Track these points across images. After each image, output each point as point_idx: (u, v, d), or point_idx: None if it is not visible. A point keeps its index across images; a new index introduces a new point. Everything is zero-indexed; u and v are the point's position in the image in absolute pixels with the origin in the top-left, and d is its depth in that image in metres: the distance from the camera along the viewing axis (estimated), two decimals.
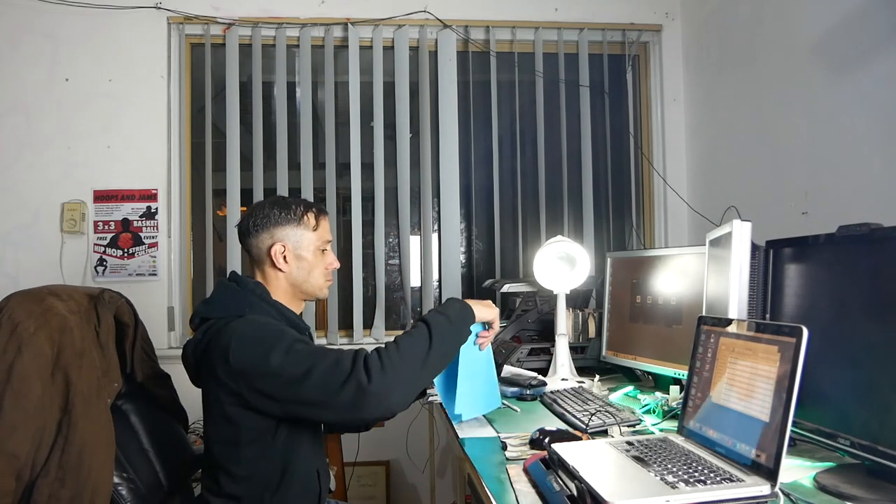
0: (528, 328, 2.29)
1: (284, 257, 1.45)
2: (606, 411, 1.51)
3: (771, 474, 1.01)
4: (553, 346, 2.08)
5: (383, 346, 1.28)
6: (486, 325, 1.54)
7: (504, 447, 1.36)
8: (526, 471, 1.21)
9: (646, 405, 1.67)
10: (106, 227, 2.67)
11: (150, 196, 2.69)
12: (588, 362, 2.16)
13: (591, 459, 1.15)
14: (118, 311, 1.55)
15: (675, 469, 1.08)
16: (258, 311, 1.38)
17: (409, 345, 1.28)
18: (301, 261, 1.46)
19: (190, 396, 1.60)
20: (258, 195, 2.73)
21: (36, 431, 1.26)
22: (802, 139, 2.06)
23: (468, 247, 2.96)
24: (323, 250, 1.49)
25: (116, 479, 1.39)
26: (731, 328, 1.23)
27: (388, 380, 1.20)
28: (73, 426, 1.29)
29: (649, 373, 1.96)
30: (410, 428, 2.62)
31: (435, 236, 2.87)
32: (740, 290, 1.37)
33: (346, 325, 2.80)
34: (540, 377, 1.87)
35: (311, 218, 1.47)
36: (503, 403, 1.77)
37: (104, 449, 1.34)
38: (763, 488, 1.00)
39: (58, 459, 1.27)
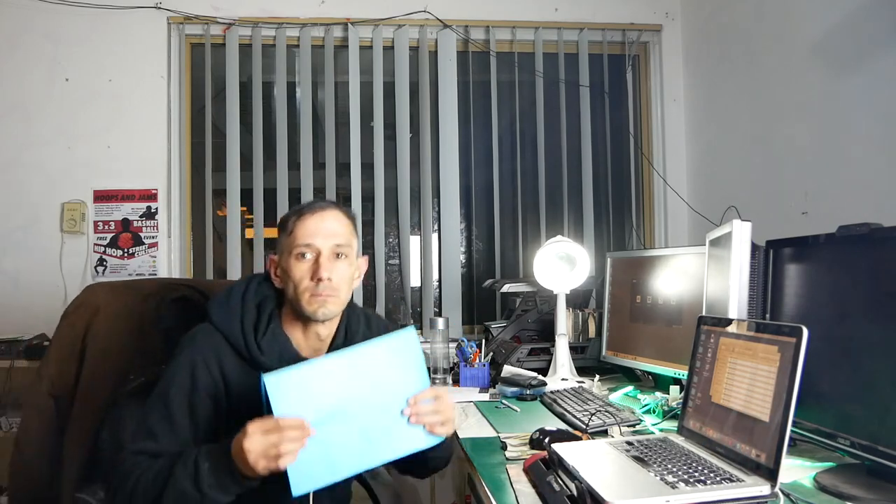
0: (528, 328, 2.29)
1: (275, 271, 1.29)
2: (606, 411, 1.51)
3: (771, 474, 1.01)
4: (553, 346, 2.08)
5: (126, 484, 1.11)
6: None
7: (504, 447, 1.36)
8: (526, 471, 1.21)
9: (646, 405, 1.67)
10: (106, 227, 2.67)
11: (150, 196, 2.69)
12: (588, 362, 2.16)
13: (591, 459, 1.15)
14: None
15: (675, 469, 1.08)
16: (227, 323, 1.24)
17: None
18: (284, 273, 1.26)
19: None
20: (258, 195, 2.73)
21: None
22: (802, 139, 2.06)
23: (468, 247, 2.96)
24: (300, 255, 1.23)
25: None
26: (731, 328, 1.23)
27: None
28: None
29: (649, 373, 1.96)
30: None
31: (435, 236, 2.87)
32: (740, 290, 1.36)
33: None
34: (540, 377, 1.87)
35: (291, 222, 1.26)
36: (505, 405, 1.76)
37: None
38: (763, 488, 1.00)
39: None
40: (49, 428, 1.35)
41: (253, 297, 1.28)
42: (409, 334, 1.14)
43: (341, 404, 1.10)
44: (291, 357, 1.26)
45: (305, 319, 1.26)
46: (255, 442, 1.03)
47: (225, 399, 1.17)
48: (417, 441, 1.15)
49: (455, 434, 1.52)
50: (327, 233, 1.24)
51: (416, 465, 1.30)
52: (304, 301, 1.23)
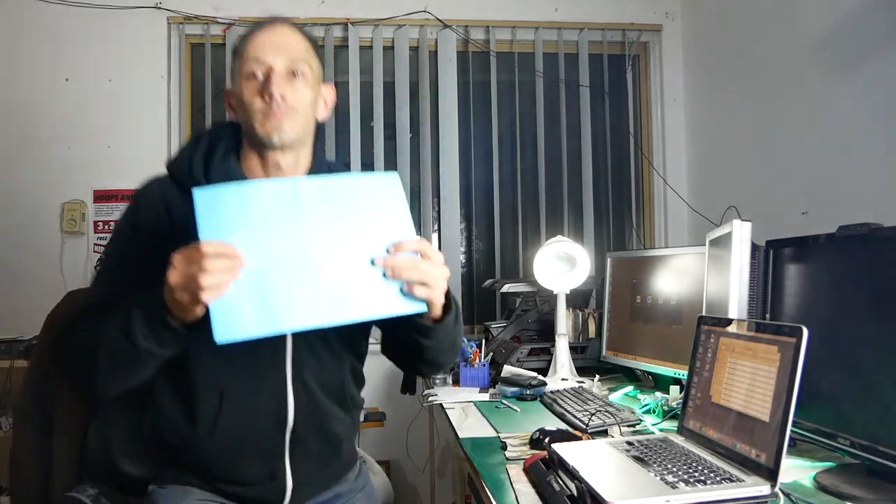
0: (528, 328, 2.28)
1: (230, 102, 1.15)
2: (606, 411, 1.51)
3: (771, 474, 1.01)
4: (553, 346, 2.08)
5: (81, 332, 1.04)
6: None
7: (504, 447, 1.36)
8: (526, 471, 1.21)
9: (646, 405, 1.67)
10: (106, 227, 2.67)
11: None
12: (588, 362, 2.16)
13: (591, 459, 1.15)
14: None
15: (675, 469, 1.08)
16: (181, 169, 1.14)
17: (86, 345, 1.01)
18: (238, 101, 1.11)
19: None
20: None
21: None
22: (802, 139, 2.06)
23: (468, 247, 2.96)
24: (251, 75, 1.08)
25: None
26: (731, 328, 1.23)
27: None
28: None
29: (649, 373, 1.96)
30: (410, 428, 2.62)
31: (435, 236, 2.87)
32: (740, 290, 1.36)
33: None
34: (540, 377, 1.87)
35: (241, 43, 1.12)
36: (505, 405, 1.76)
37: None
38: (763, 488, 1.00)
39: None
40: (38, 432, 1.35)
41: (207, 138, 1.17)
42: (391, 177, 0.98)
43: (291, 239, 0.92)
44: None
45: (261, 148, 1.11)
46: (176, 273, 0.88)
47: (171, 238, 0.98)
48: (389, 304, 0.95)
49: (455, 434, 1.52)
50: (279, 47, 1.09)
51: (410, 351, 1.16)
52: (257, 123, 1.08)
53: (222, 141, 1.16)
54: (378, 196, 0.97)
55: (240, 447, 1.12)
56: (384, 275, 0.95)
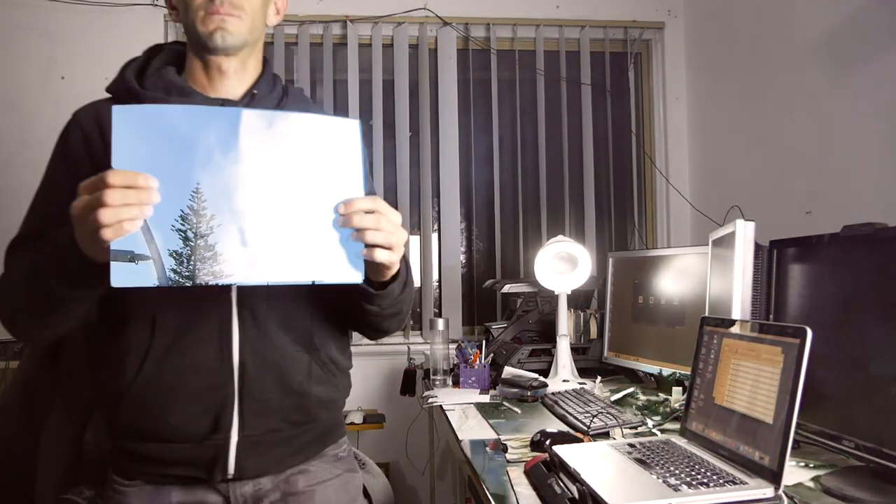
0: (529, 329, 2.27)
1: (172, 2, 1.05)
2: (608, 413, 1.50)
3: (774, 477, 1.00)
4: (554, 347, 2.07)
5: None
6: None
7: (505, 449, 1.35)
8: (527, 473, 1.20)
9: (648, 407, 1.65)
10: None
11: None
12: (590, 363, 2.15)
13: (592, 462, 1.14)
14: None
15: (677, 471, 1.07)
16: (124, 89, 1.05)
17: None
18: (180, 1, 1.02)
19: None
20: None
21: None
22: (806, 138, 2.05)
23: (468, 247, 2.94)
24: None
25: None
26: (735, 329, 1.21)
27: None
28: None
29: (651, 374, 1.95)
30: (410, 429, 2.60)
31: (435, 236, 2.85)
32: (743, 290, 1.35)
33: None
34: (541, 378, 1.86)
35: None
36: (506, 406, 1.75)
37: None
38: (766, 491, 0.99)
39: None
40: (24, 432, 1.33)
41: (146, 52, 1.10)
42: (351, 123, 0.87)
43: (220, 179, 0.80)
44: (182, 91, 1.01)
45: (203, 52, 1.02)
46: (78, 204, 0.76)
47: (103, 160, 0.87)
48: (331, 269, 0.85)
49: (455, 436, 1.50)
50: None
51: (351, 312, 1.05)
52: (199, 22, 0.98)
53: (160, 55, 1.09)
54: (331, 143, 0.86)
55: (178, 387, 0.97)
56: (348, 236, 0.85)
